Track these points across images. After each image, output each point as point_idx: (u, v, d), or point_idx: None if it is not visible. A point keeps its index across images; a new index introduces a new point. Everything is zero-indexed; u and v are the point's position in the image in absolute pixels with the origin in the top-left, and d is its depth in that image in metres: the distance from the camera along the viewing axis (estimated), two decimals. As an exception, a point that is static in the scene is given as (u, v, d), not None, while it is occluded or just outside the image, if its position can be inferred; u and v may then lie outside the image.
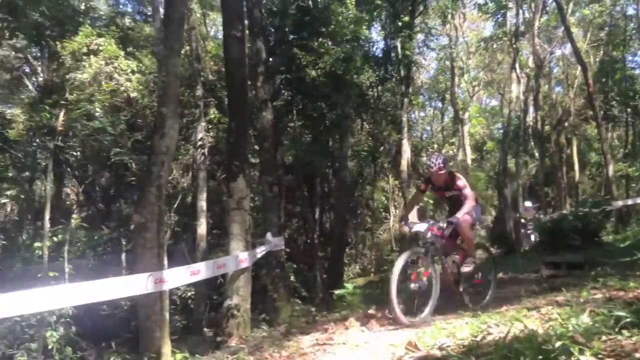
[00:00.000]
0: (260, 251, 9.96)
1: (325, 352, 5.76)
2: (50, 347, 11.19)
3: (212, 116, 18.60)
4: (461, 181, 6.92)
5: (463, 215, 6.78)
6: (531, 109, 28.54)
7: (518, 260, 14.39)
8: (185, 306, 16.85)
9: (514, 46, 23.04)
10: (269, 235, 10.70)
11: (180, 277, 7.58)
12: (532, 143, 28.85)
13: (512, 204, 21.31)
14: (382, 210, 23.72)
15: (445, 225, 6.78)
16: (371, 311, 7.33)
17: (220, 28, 23.74)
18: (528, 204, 19.75)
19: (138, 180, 16.88)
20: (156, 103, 15.21)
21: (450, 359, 4.03)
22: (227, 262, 8.65)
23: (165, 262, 7.17)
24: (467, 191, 6.88)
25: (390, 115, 21.19)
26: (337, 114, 16.71)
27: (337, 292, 9.43)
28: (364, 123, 21.95)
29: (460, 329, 5.23)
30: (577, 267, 10.29)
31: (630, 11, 27.79)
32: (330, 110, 16.57)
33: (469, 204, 6.76)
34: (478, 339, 4.59)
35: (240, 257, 8.80)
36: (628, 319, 3.70)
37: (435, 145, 32.72)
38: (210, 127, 18.59)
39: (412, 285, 6.39)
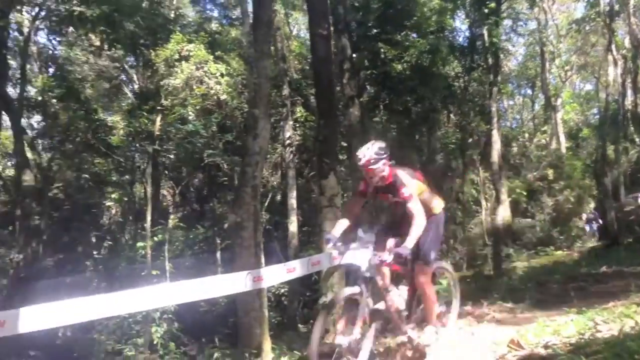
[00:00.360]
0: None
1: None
2: (155, 342, 11.79)
3: (298, 115, 18.86)
4: (406, 189, 4.74)
5: (424, 255, 5.01)
6: (630, 92, 26.96)
7: (621, 252, 13.73)
8: (279, 303, 17.23)
9: (609, 27, 21.87)
10: (360, 232, 10.70)
11: (277, 274, 7.74)
12: (632, 128, 27.29)
13: (613, 193, 20.27)
14: (472, 203, 23.23)
15: (390, 257, 4.72)
16: (468, 308, 7.22)
17: (303, 27, 24.21)
18: None
19: (230, 180, 17.39)
20: (245, 104, 15.68)
21: (558, 359, 3.91)
22: (321, 259, 8.73)
23: (262, 260, 7.36)
24: (414, 205, 4.73)
25: (478, 105, 20.70)
26: (424, 107, 16.50)
27: (431, 287, 9.31)
28: (451, 115, 21.56)
29: (565, 326, 5.07)
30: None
31: None
32: (417, 103, 16.39)
33: (418, 226, 4.66)
34: (586, 336, 4.44)
35: (333, 254, 8.87)
36: None
37: (527, 135, 31.70)
38: (297, 125, 18.87)
39: (339, 340, 4.55)
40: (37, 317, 5.51)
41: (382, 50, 15.42)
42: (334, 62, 12.07)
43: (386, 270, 5.04)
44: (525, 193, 22.76)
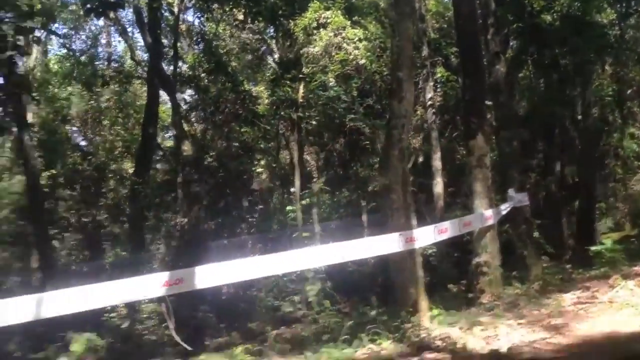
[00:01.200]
0: (505, 208, 9.79)
1: (588, 311, 5.54)
2: (309, 299, 12.39)
3: (439, 75, 18.45)
4: None
5: None
6: None
7: None
8: (428, 263, 17.19)
9: None
10: (511, 191, 10.47)
11: (429, 235, 7.81)
12: None
13: None
14: (633, 158, 21.55)
15: None
16: (637, 268, 6.83)
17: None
18: None
19: (372, 143, 17.54)
20: (384, 68, 15.66)
21: None
22: (472, 220, 8.68)
23: (414, 221, 7.42)
24: None
25: (637, 53, 19.02)
26: (575, 59, 15.48)
27: (593, 248, 8.93)
28: (606, 66, 20.01)
29: None
30: None
31: None
32: (568, 55, 15.41)
33: None
34: None
35: (485, 214, 8.76)
36: None
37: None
38: (437, 86, 18.48)
39: None
40: (209, 275, 6.12)
41: (528, 1, 14.60)
42: (478, 18, 11.66)
43: None
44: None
